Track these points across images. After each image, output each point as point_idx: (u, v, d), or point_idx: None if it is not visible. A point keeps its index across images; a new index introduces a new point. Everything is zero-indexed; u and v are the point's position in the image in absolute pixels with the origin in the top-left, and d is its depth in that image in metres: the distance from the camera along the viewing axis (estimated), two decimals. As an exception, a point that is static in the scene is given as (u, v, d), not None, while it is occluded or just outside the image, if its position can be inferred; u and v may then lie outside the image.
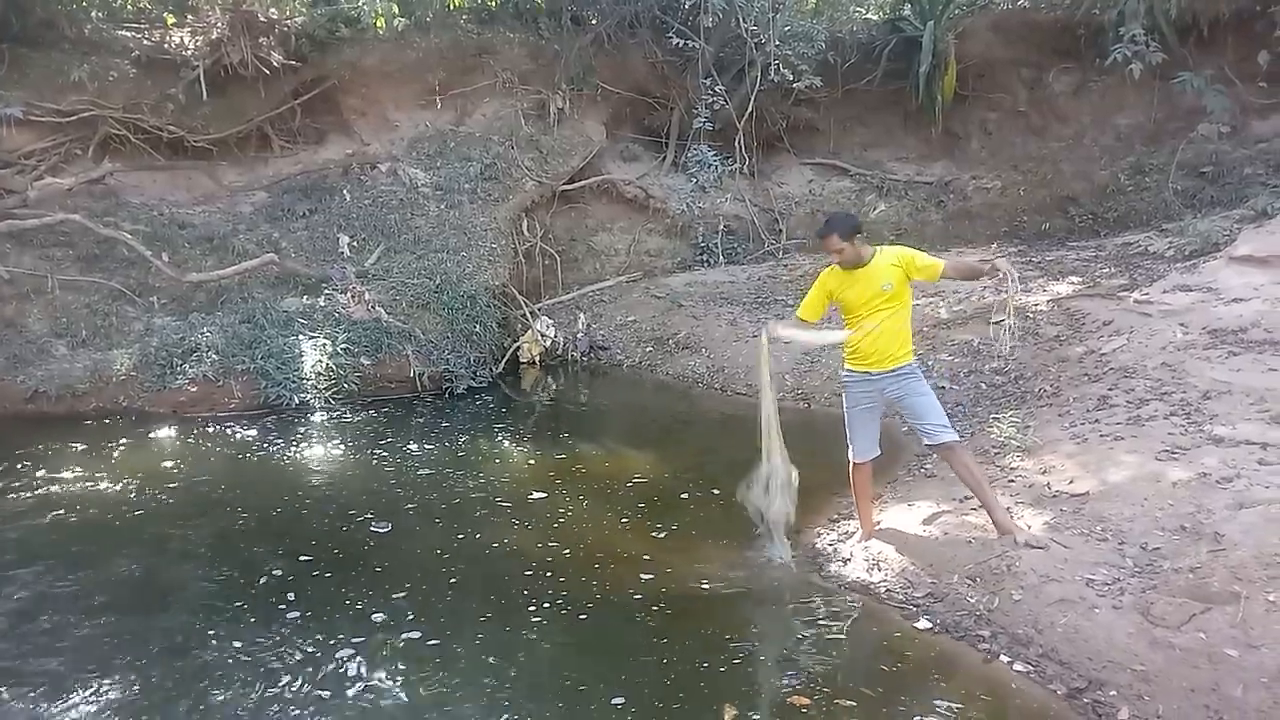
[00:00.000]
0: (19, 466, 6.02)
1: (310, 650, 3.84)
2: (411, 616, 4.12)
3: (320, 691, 3.54)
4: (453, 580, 4.51)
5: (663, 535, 5.00)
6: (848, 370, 4.53)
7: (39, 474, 5.92)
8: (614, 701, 3.45)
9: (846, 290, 4.40)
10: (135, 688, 3.60)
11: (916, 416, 4.39)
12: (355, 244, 9.30)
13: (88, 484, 5.79)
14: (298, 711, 3.42)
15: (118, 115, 9.77)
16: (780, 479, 4.61)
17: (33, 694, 3.56)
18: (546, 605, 4.21)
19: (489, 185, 10.38)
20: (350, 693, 3.52)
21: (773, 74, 10.39)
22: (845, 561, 4.58)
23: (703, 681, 3.60)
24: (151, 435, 6.77)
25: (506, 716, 3.36)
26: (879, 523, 4.75)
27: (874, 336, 4.34)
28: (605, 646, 3.99)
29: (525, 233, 10.52)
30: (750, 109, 11.13)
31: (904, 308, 4.39)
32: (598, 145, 11.46)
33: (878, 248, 4.42)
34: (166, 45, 10.46)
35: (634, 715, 3.37)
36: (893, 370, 4.37)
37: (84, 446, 6.45)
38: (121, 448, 6.48)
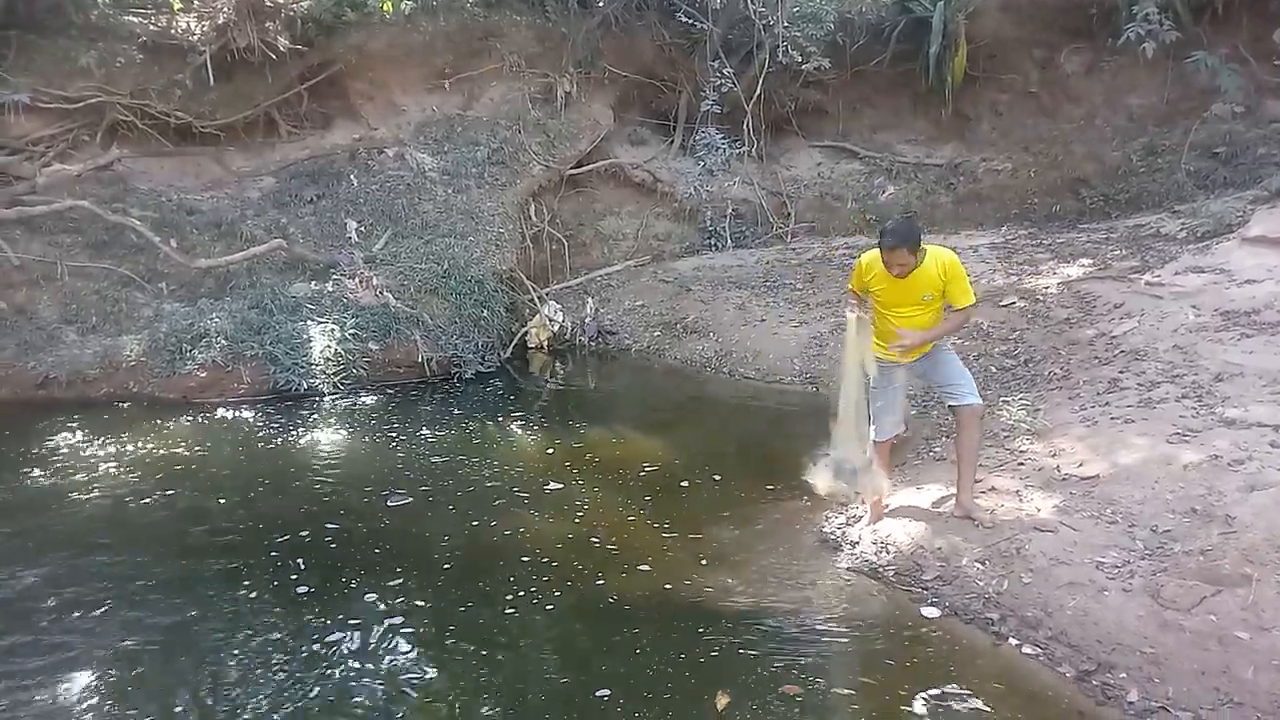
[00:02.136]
0: (31, 451, 6.06)
1: (307, 632, 3.90)
2: (402, 600, 4.15)
3: (304, 677, 3.58)
4: (446, 566, 4.53)
5: (667, 524, 4.97)
6: (877, 359, 4.44)
7: (51, 459, 5.96)
8: (599, 693, 3.43)
9: (885, 287, 4.27)
10: (139, 662, 3.67)
11: (944, 380, 4.42)
12: (363, 229, 9.29)
13: (100, 467, 5.83)
14: (278, 695, 3.46)
15: (125, 101, 9.75)
16: (855, 463, 4.58)
17: (42, 667, 3.64)
18: (533, 596, 4.18)
19: (496, 170, 10.34)
20: (332, 681, 3.55)
21: (781, 56, 10.29)
22: (854, 545, 4.57)
23: (688, 671, 3.58)
24: (162, 420, 6.79)
25: (487, 710, 3.34)
26: (888, 506, 4.74)
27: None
28: (595, 639, 3.94)
29: (533, 217, 10.48)
30: (758, 91, 11.04)
31: (940, 309, 4.30)
32: (605, 129, 11.40)
33: (927, 249, 4.19)
34: (173, 30, 10.43)
35: (621, 707, 3.35)
36: (920, 357, 4.41)
37: (95, 432, 6.47)
38: (133, 432, 6.51)
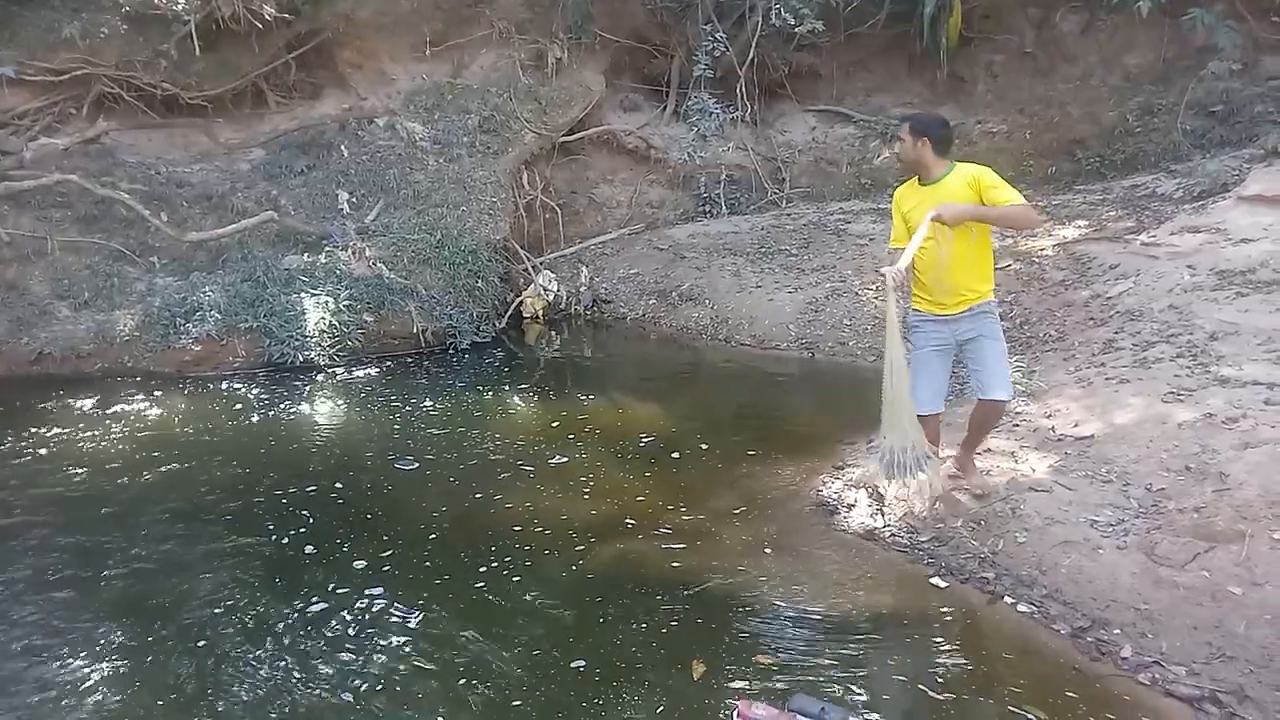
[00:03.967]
0: (29, 427, 6.06)
1: (291, 600, 3.91)
2: (387, 569, 4.15)
3: (281, 647, 3.59)
4: (432, 536, 4.49)
5: (663, 493, 4.92)
6: (915, 312, 4.15)
7: (48, 433, 5.97)
8: (574, 665, 3.40)
9: (913, 209, 3.96)
10: (137, 639, 3.68)
11: (981, 363, 4.04)
12: (354, 200, 9.21)
13: (97, 441, 5.84)
14: (254, 663, 3.49)
15: (110, 73, 9.62)
16: (911, 454, 4.03)
17: (45, 640, 3.67)
18: (518, 568, 4.13)
19: (488, 138, 10.25)
20: (303, 652, 3.55)
21: (774, 18, 10.17)
22: (849, 508, 4.58)
23: (667, 642, 3.54)
24: (157, 394, 6.79)
25: (462, 682, 3.31)
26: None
27: (940, 271, 3.90)
28: (576, 610, 3.84)
29: (525, 186, 10.39)
30: (751, 55, 10.93)
31: (980, 235, 3.89)
32: (597, 95, 11.28)
33: (954, 165, 3.93)
34: (156, 0, 10.27)
35: (598, 677, 3.32)
36: (969, 310, 3.98)
37: (92, 406, 6.48)
38: (129, 406, 6.51)
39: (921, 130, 3.94)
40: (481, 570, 4.12)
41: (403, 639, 3.61)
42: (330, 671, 3.41)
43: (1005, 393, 4.09)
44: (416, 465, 5.41)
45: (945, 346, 4.12)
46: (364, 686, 3.32)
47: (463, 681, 3.33)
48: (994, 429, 4.36)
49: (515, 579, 4.05)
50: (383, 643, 3.58)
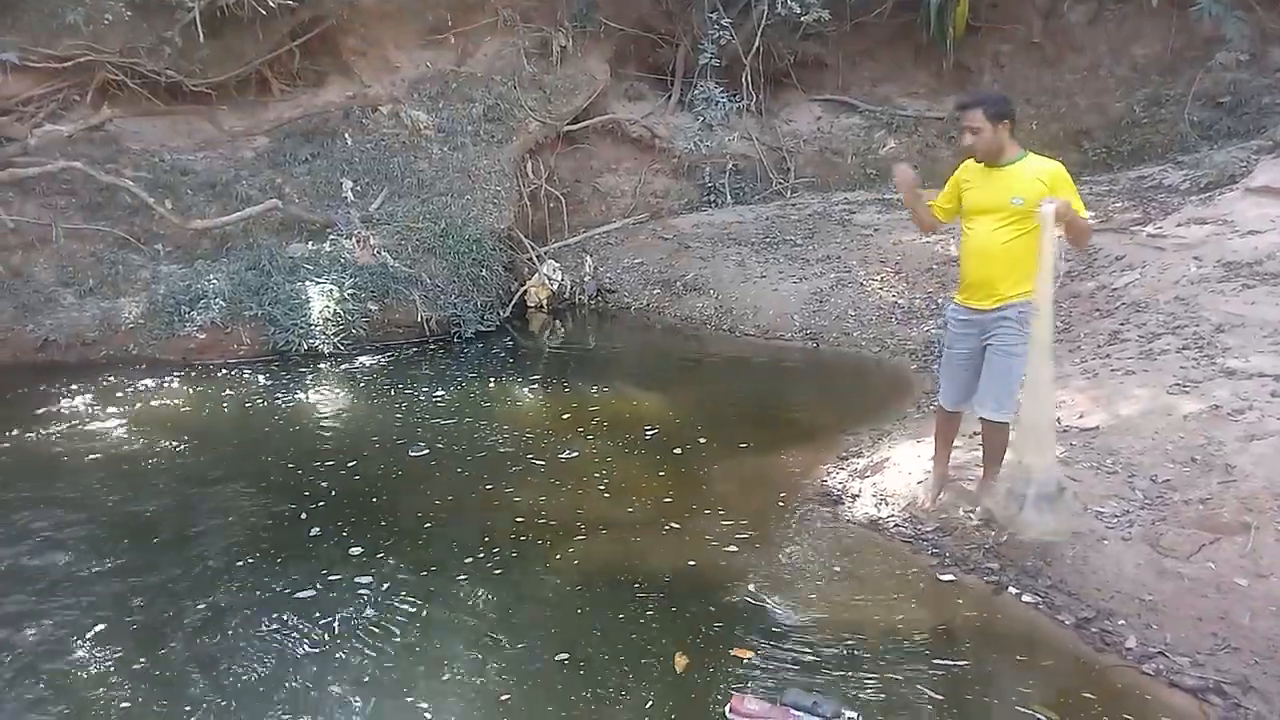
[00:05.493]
0: (35, 413, 6.08)
1: (282, 584, 3.94)
2: (382, 556, 4.15)
3: (271, 631, 3.60)
4: (428, 526, 4.48)
5: (667, 486, 4.90)
6: (953, 305, 4.09)
7: (57, 419, 5.99)
8: (559, 658, 3.38)
9: (973, 189, 3.83)
10: (134, 625, 3.69)
11: (985, 375, 3.91)
12: (359, 188, 9.19)
13: (103, 426, 5.86)
14: (232, 644, 3.51)
15: (114, 60, 9.58)
16: (1042, 488, 3.60)
17: (45, 604, 3.75)
18: (509, 561, 4.11)
19: (492, 127, 10.23)
20: (290, 637, 3.55)
21: (780, 7, 10.13)
22: (854, 499, 4.59)
23: (652, 636, 3.51)
24: (163, 381, 6.80)
25: (445, 675, 3.29)
26: (887, 459, 4.75)
27: (980, 260, 3.80)
28: (560, 604, 3.80)
29: (530, 175, 10.36)
30: (757, 44, 10.88)
31: (1033, 233, 3.65)
32: (602, 84, 11.23)
33: (1028, 153, 3.82)
34: (161, -14, 10.23)
35: (582, 670, 3.31)
36: (997, 309, 3.81)
37: (98, 393, 6.49)
38: (134, 393, 6.53)
39: (999, 113, 3.71)
40: (468, 562, 4.11)
41: (386, 630, 3.59)
42: (309, 660, 3.40)
43: (994, 412, 3.89)
44: (426, 452, 5.42)
45: (971, 343, 3.97)
46: (344, 676, 3.30)
47: (446, 675, 3.31)
48: (998, 450, 4.01)
49: (505, 572, 4.05)
50: (365, 633, 3.56)
